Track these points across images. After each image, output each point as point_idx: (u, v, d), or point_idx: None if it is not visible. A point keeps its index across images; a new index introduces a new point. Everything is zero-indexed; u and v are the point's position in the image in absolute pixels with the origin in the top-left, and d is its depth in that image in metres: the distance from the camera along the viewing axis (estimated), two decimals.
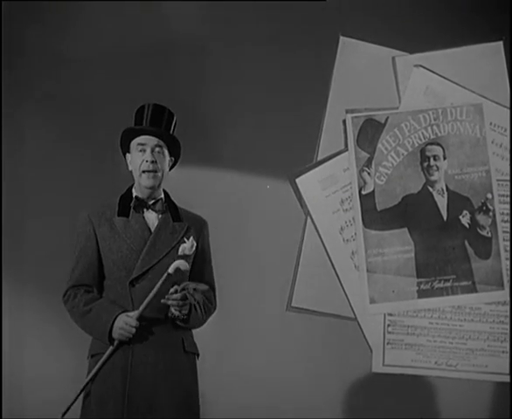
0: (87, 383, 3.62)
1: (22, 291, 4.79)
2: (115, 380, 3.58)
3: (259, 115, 4.70)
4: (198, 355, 3.75)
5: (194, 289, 3.59)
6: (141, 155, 3.65)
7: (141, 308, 3.56)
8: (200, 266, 3.78)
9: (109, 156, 4.78)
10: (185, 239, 3.62)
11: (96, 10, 4.79)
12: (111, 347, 3.59)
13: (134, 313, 3.58)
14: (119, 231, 3.63)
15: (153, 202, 3.68)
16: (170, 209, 3.70)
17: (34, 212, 4.82)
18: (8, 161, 4.78)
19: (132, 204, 3.69)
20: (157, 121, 3.67)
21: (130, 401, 3.56)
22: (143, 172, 3.65)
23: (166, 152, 3.68)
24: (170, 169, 3.75)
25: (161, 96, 4.69)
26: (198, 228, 3.73)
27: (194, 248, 3.63)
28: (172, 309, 3.58)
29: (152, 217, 3.68)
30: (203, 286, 3.68)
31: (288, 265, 4.28)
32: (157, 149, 3.65)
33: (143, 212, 3.68)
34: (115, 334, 3.59)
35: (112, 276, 3.65)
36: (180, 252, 3.59)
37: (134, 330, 3.56)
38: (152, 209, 3.68)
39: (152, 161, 3.63)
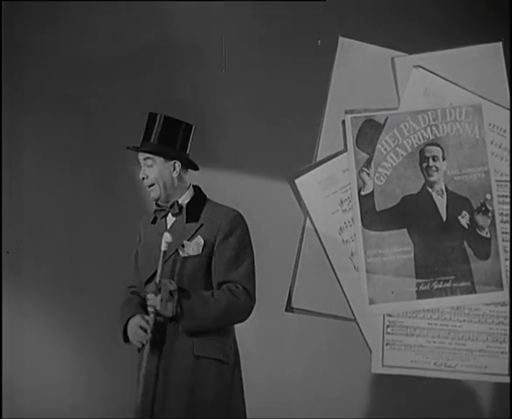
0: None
1: (22, 292, 4.79)
2: (137, 390, 3.55)
3: (259, 115, 4.70)
4: (224, 361, 3.53)
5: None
6: None
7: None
8: (221, 262, 3.60)
9: (110, 157, 4.80)
10: (186, 241, 3.60)
11: (97, 10, 4.79)
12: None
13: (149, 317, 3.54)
14: (145, 238, 3.71)
15: (170, 205, 3.68)
16: (188, 209, 3.67)
17: (34, 212, 4.82)
18: (8, 161, 4.78)
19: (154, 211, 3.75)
20: (148, 134, 3.66)
21: (144, 412, 3.50)
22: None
23: (158, 161, 3.64)
24: (188, 168, 3.68)
25: (161, 96, 4.71)
26: (217, 225, 3.61)
27: (200, 247, 3.59)
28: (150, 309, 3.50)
29: (171, 221, 3.70)
30: (170, 286, 3.52)
31: (288, 265, 4.28)
32: (148, 162, 3.65)
33: (166, 216, 3.69)
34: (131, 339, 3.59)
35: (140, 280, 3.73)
36: (182, 253, 3.58)
37: (143, 333, 3.51)
38: (171, 213, 3.69)
39: (143, 178, 3.66)
